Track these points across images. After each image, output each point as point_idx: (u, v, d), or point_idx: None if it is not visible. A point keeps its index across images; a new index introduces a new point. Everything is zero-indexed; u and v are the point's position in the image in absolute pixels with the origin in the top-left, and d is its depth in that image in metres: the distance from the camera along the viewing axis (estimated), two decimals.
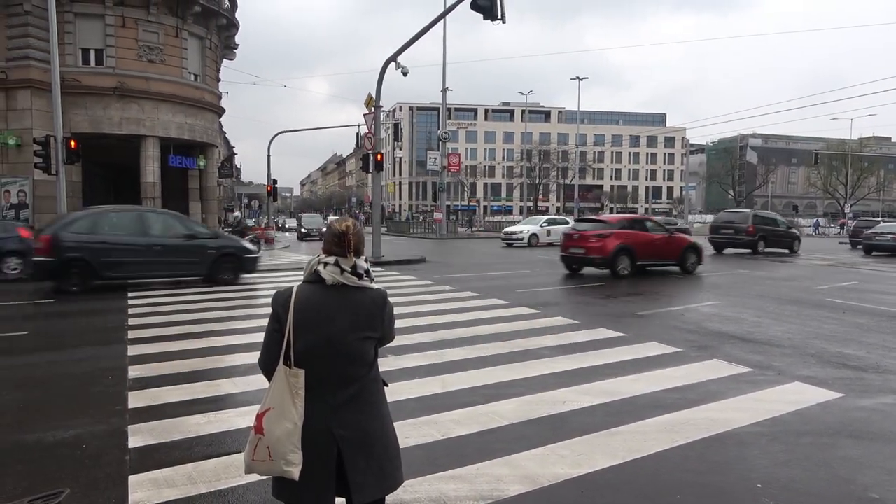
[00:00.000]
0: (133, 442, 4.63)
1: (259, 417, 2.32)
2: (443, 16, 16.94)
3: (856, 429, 5.17)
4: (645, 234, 16.68)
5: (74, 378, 6.48)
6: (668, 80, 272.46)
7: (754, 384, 6.42)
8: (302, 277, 2.48)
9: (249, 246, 15.64)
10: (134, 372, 6.56)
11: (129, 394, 5.80)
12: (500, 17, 13.36)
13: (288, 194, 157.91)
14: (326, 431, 2.29)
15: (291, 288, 2.40)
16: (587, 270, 16.71)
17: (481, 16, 13.81)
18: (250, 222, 53.38)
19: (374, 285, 2.47)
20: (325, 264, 2.38)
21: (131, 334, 8.46)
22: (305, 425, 2.28)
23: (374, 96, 19.91)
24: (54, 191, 17.76)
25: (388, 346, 2.60)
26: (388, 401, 2.53)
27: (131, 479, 4.01)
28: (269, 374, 2.39)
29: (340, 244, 2.37)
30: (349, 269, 2.36)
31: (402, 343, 8.13)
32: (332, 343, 2.30)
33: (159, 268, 13.62)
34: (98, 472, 4.15)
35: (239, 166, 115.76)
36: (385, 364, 7.10)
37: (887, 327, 9.65)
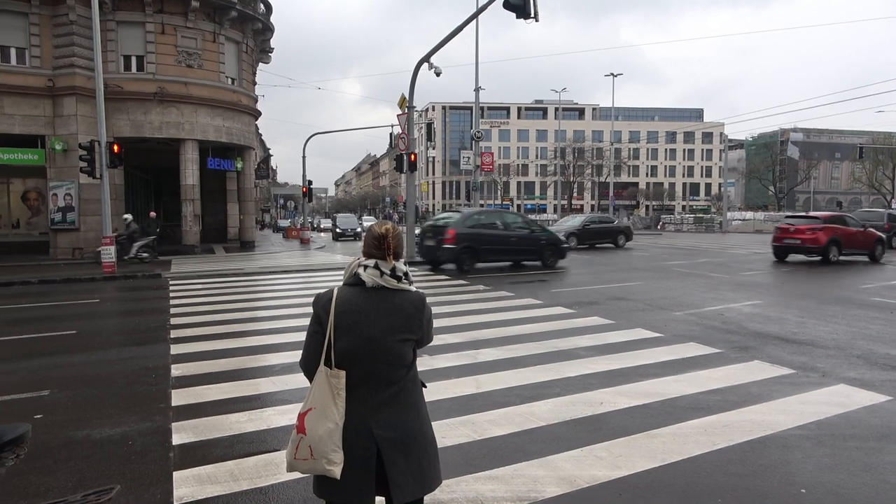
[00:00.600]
0: (177, 439, 4.76)
1: (301, 417, 2.37)
2: (475, 16, 16.91)
3: None
4: (846, 228, 19.89)
5: (121, 376, 6.68)
6: (705, 75, 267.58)
7: (797, 386, 6.27)
8: (342, 280, 2.53)
9: (563, 239, 19.68)
10: (177, 370, 6.73)
11: (172, 392, 5.96)
12: (532, 15, 13.27)
13: (323, 195, 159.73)
14: (367, 431, 2.34)
15: (332, 290, 2.44)
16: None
17: (514, 15, 13.84)
18: (285, 223, 54.27)
19: (413, 288, 2.50)
20: (365, 267, 2.42)
21: (173, 333, 8.68)
22: (346, 425, 2.33)
23: (406, 97, 19.97)
24: (99, 194, 18.29)
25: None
26: (427, 399, 2.56)
27: (176, 475, 4.12)
28: (310, 375, 2.43)
29: (380, 247, 2.43)
30: (388, 272, 2.41)
31: (436, 343, 8.13)
32: (372, 344, 2.35)
33: (514, 255, 18.02)
34: (144, 468, 4.27)
35: (275, 168, 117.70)
36: (420, 364, 7.11)
37: None
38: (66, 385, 6.37)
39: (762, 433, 4.95)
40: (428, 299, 2.54)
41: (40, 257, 21.54)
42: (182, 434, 4.86)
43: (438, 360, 7.33)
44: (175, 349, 7.72)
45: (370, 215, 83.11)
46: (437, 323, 9.31)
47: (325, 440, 2.30)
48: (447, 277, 15.70)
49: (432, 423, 2.58)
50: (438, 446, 2.59)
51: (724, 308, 10.96)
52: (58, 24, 22.43)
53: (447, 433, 4.84)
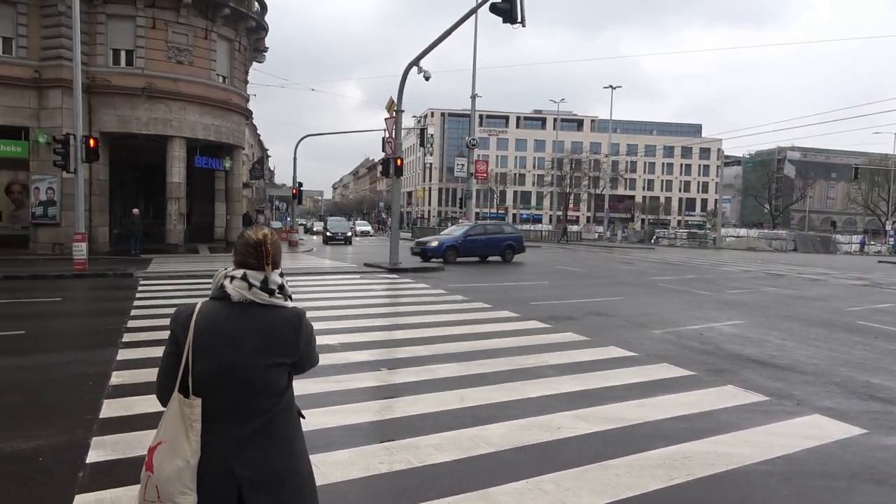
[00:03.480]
0: (92, 456, 4.41)
1: (151, 451, 2.03)
2: (462, 21, 16.63)
3: (878, 471, 4.69)
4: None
5: (55, 383, 6.32)
6: (703, 91, 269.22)
7: (770, 415, 5.94)
8: (210, 292, 2.15)
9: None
10: (117, 378, 6.37)
11: (105, 402, 5.60)
12: (519, 20, 13.03)
13: (319, 197, 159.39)
14: (227, 471, 1.98)
15: (195, 305, 2.09)
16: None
17: (514, 27, 13.64)
18: (277, 224, 53.91)
19: (290, 303, 2.14)
20: (232, 278, 2.08)
21: (126, 337, 8.32)
22: (203, 463, 1.97)
23: (395, 101, 19.69)
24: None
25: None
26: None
27: (77, 499, 3.76)
28: (165, 403, 2.09)
29: (258, 255, 2.08)
30: (259, 285, 2.07)
31: (399, 356, 7.87)
32: (237, 370, 2.01)
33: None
34: (44, 490, 3.93)
35: (272, 169, 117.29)
36: (378, 379, 6.81)
37: None
38: None
39: (725, 467, 4.62)
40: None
41: (20, 251, 21.14)
42: (100, 451, 4.51)
43: (399, 374, 6.98)
44: (123, 354, 7.36)
45: (364, 220, 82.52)
46: (407, 334, 9.06)
47: (174, 480, 1.95)
48: (426, 286, 15.37)
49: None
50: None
51: (704, 327, 10.65)
52: (46, 15, 22.13)
53: (385, 459, 4.49)
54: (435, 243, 23.67)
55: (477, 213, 60.05)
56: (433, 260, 22.57)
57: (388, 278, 17.51)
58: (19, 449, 4.55)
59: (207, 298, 2.14)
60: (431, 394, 6.20)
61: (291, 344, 2.10)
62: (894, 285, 20.32)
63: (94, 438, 4.72)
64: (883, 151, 72.33)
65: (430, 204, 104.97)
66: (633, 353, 8.32)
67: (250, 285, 2.06)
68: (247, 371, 2.02)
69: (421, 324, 10.04)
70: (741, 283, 18.63)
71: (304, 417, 2.26)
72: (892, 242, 46.44)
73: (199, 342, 2.02)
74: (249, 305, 2.06)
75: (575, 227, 67.37)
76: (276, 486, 2.03)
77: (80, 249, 15.84)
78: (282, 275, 2.15)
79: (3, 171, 23.33)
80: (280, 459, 2.06)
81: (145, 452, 2.06)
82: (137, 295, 12.34)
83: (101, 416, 5.23)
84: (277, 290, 2.09)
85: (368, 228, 62.57)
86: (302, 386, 6.06)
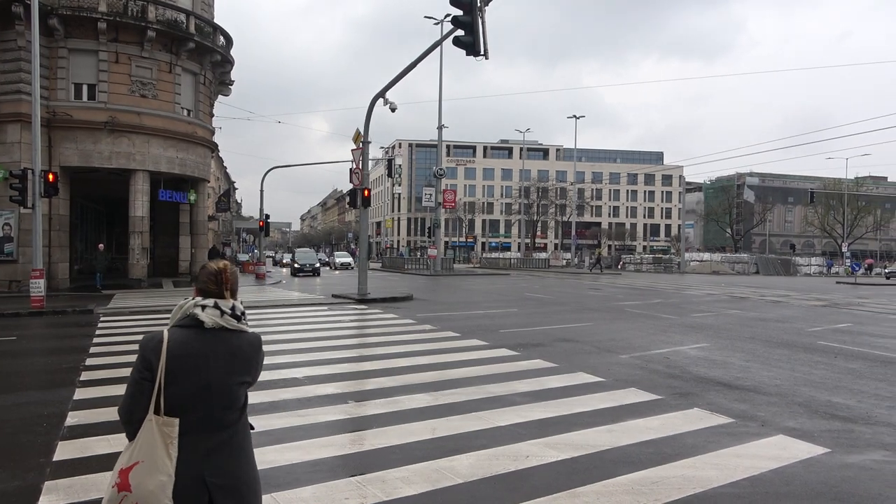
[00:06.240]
0: (44, 502, 4.22)
1: (124, 473, 2.19)
2: (427, 53, 16.89)
3: (841, 490, 4.75)
4: None
5: (7, 425, 6.06)
6: (662, 121, 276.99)
7: (735, 437, 6.00)
8: (170, 321, 2.37)
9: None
10: (73, 418, 6.16)
11: (59, 444, 5.39)
12: (482, 52, 13.27)
13: (287, 229, 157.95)
14: (199, 479, 2.21)
15: (162, 332, 2.29)
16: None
17: (478, 60, 13.89)
18: (244, 257, 53.18)
19: (249, 329, 2.42)
20: (204, 307, 2.31)
21: (84, 375, 8.05)
22: (177, 475, 2.19)
23: (361, 132, 19.78)
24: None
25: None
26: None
27: None
28: (132, 426, 2.26)
29: (217, 282, 2.35)
30: (229, 312, 2.33)
31: (366, 388, 7.77)
32: (210, 389, 2.25)
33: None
34: None
35: (240, 201, 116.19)
36: (344, 412, 6.70)
37: (880, 373, 9.23)
38: None
39: (692, 491, 4.65)
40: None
41: None
42: (52, 496, 4.32)
43: (367, 406, 6.89)
44: (80, 394, 7.12)
45: (343, 250, 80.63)
46: (374, 366, 8.96)
47: (157, 494, 2.14)
48: (395, 316, 15.28)
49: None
50: None
51: (670, 351, 10.77)
52: (4, 50, 21.81)
53: (351, 494, 4.40)
54: None
55: (446, 242, 60.18)
56: None
57: (357, 309, 17.37)
58: None
59: (171, 326, 2.33)
60: (400, 425, 6.12)
61: (254, 364, 2.40)
62: (851, 305, 20.89)
63: (46, 483, 4.53)
64: (836, 176, 74.79)
65: (399, 234, 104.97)
66: (600, 379, 8.36)
67: (222, 312, 2.31)
68: (219, 389, 2.27)
69: (389, 354, 9.95)
70: (705, 307, 18.94)
71: (254, 429, 2.50)
72: (848, 264, 47.88)
73: (174, 366, 2.22)
74: (220, 331, 2.31)
75: (543, 255, 67.94)
76: (239, 492, 2.28)
77: (38, 286, 15.38)
78: (241, 303, 2.41)
79: None
80: (242, 468, 2.32)
81: (99, 496, 2.11)
82: (97, 332, 11.99)
83: (54, 459, 5.03)
84: (242, 316, 2.36)
85: (349, 260, 54.26)
86: (264, 422, 5.97)
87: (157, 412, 2.20)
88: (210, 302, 2.31)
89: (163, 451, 2.17)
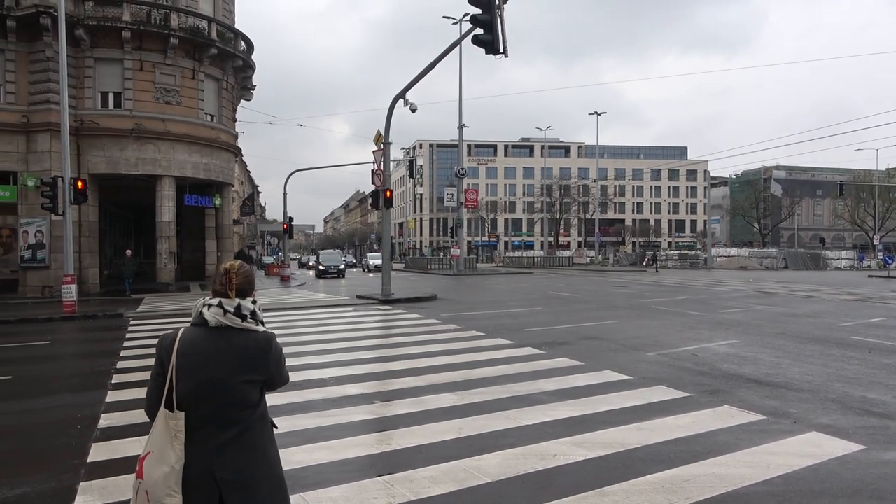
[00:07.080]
0: (79, 502, 4.30)
1: (140, 462, 2.31)
2: (446, 53, 16.87)
3: (878, 488, 4.64)
4: None
5: (42, 428, 6.20)
6: (684, 116, 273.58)
7: (767, 434, 5.89)
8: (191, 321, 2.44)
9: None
10: (106, 421, 6.27)
11: (93, 445, 5.49)
12: (501, 50, 13.23)
13: (311, 231, 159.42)
14: (208, 474, 2.25)
15: (177, 331, 2.39)
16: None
17: (497, 58, 13.85)
18: (269, 259, 53.71)
19: (261, 328, 2.43)
20: (209, 306, 2.37)
21: (116, 378, 8.20)
22: (187, 468, 2.25)
23: (382, 133, 19.84)
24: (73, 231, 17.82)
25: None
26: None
27: None
28: (153, 419, 2.37)
29: (223, 283, 2.40)
30: (232, 311, 2.36)
31: (392, 388, 7.79)
32: (213, 386, 2.29)
33: None
34: None
35: (263, 205, 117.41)
36: (371, 412, 6.72)
37: None
38: None
39: (724, 489, 4.57)
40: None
41: (9, 296, 20.93)
42: (87, 496, 4.40)
43: (393, 406, 6.91)
44: (112, 396, 7.25)
45: (374, 251, 76.75)
46: (400, 366, 8.97)
47: (161, 484, 2.22)
48: (419, 316, 15.30)
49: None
50: None
51: (698, 348, 10.63)
52: (34, 61, 22.31)
53: (379, 493, 4.41)
54: None
55: (468, 242, 60.14)
56: None
57: (381, 310, 17.44)
58: (4, 497, 4.44)
59: (189, 325, 2.42)
60: (426, 425, 6.13)
61: (262, 363, 2.38)
62: (885, 300, 20.41)
63: (81, 483, 4.62)
64: (866, 167, 73.18)
65: (421, 234, 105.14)
66: (628, 377, 8.27)
67: (225, 311, 2.34)
68: (223, 387, 2.29)
69: (414, 354, 9.97)
70: (734, 303, 18.66)
71: (276, 428, 2.52)
72: (881, 257, 46.79)
73: (182, 363, 2.29)
74: (225, 330, 2.35)
75: (567, 252, 67.53)
76: (251, 489, 2.30)
77: (70, 291, 15.72)
78: (254, 302, 2.44)
79: None
80: (254, 465, 2.32)
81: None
82: (127, 335, 12.21)
83: (88, 461, 5.13)
84: (249, 316, 2.37)
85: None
86: (293, 422, 6.02)
87: (168, 407, 2.28)
88: (215, 301, 2.37)
89: (168, 443, 2.25)
